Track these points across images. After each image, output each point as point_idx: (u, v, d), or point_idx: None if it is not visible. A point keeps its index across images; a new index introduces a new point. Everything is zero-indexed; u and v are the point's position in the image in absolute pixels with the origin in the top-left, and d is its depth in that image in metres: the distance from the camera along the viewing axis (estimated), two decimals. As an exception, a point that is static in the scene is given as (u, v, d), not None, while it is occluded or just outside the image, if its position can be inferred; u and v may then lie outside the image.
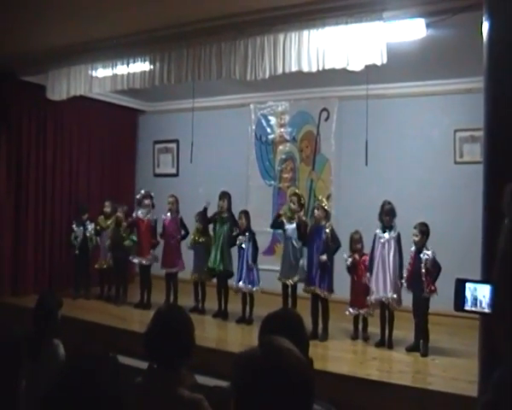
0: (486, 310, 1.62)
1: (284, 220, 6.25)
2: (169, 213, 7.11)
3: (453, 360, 5.10)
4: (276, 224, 6.40)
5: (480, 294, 1.63)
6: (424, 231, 5.30)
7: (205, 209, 6.79)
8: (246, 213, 6.49)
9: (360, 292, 5.68)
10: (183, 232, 7.10)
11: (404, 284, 5.38)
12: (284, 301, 6.12)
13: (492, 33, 3.26)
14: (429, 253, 5.23)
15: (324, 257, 5.70)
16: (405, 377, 4.74)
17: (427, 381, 4.63)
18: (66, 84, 6.76)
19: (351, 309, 5.75)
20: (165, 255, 7.11)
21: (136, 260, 7.26)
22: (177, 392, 2.12)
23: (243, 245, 6.36)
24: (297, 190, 6.84)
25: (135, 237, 7.28)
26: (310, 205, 7.61)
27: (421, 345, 5.27)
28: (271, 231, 7.54)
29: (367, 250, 5.76)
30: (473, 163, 6.58)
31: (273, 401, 1.25)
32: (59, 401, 1.23)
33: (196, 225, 6.94)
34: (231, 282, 6.59)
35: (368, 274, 5.60)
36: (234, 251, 6.60)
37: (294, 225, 6.10)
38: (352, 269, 5.77)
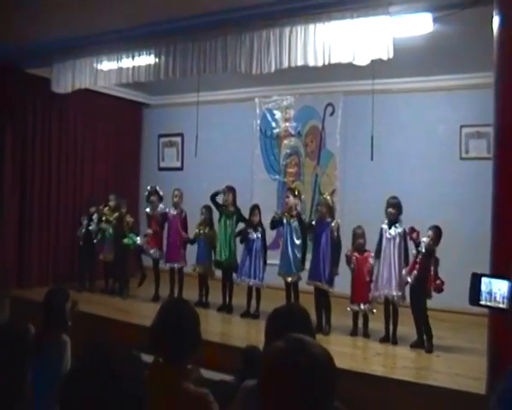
0: (501, 305, 1.61)
1: (282, 217, 6.24)
2: (173, 207, 7.11)
3: (458, 356, 5.08)
4: (275, 223, 6.33)
5: (496, 287, 1.63)
6: (439, 234, 5.25)
7: (216, 194, 6.74)
8: (258, 208, 6.50)
9: (360, 288, 5.66)
10: (184, 234, 7.07)
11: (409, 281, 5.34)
12: (287, 295, 6.12)
13: (503, 28, 3.24)
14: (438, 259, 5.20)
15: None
16: (410, 372, 4.73)
17: (431, 377, 4.61)
18: (71, 77, 6.75)
19: (351, 306, 5.73)
20: (168, 250, 7.13)
21: (140, 243, 7.23)
22: (182, 386, 2.12)
23: (254, 238, 6.36)
24: (292, 186, 6.99)
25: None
26: (315, 200, 7.60)
27: (425, 341, 5.26)
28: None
29: (369, 246, 5.74)
30: (479, 159, 6.56)
31: (301, 389, 1.27)
32: (81, 399, 1.21)
33: (201, 219, 6.92)
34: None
35: (371, 260, 5.60)
36: (238, 244, 6.61)
37: (296, 222, 6.09)
38: (351, 264, 5.72)
